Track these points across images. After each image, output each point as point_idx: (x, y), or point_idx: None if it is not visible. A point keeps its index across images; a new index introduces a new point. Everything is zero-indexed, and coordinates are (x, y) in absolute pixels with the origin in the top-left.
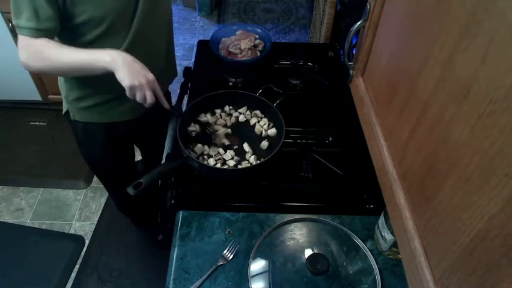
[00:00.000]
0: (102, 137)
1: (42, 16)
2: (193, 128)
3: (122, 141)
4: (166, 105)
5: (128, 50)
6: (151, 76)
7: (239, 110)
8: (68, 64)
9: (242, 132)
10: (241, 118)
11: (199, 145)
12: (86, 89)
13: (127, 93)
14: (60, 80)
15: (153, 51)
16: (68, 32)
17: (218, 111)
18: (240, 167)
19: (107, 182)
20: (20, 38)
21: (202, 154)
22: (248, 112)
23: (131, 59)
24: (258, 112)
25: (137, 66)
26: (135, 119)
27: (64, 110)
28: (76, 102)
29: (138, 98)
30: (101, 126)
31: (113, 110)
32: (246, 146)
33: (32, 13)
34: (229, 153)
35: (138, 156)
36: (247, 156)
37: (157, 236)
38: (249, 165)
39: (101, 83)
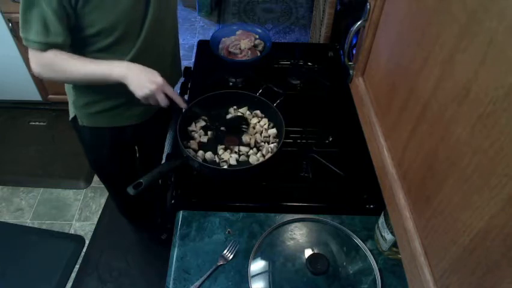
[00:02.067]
0: (109, 142)
1: (52, 31)
2: (193, 128)
3: (128, 144)
4: (183, 105)
5: (137, 56)
6: (160, 80)
7: (239, 110)
8: (82, 77)
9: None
10: None
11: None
12: (95, 95)
13: (142, 101)
14: (68, 86)
15: (161, 56)
16: (79, 41)
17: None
18: (241, 166)
19: (110, 184)
20: (30, 50)
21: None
22: (248, 112)
23: (140, 70)
24: (258, 112)
25: (146, 75)
26: (142, 123)
27: (71, 116)
28: (84, 107)
29: (152, 103)
30: (108, 130)
31: (122, 115)
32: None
33: (41, 28)
34: (228, 153)
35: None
36: (250, 155)
37: (159, 235)
38: (250, 163)
39: (110, 88)
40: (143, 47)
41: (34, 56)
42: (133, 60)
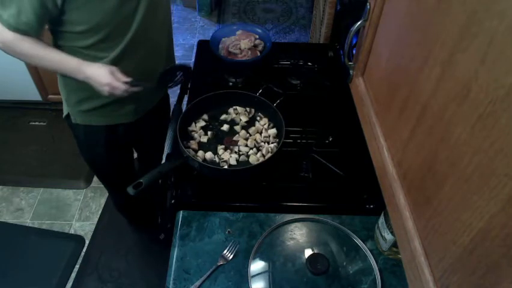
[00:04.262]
0: (103, 140)
1: (23, 19)
2: (193, 128)
3: (123, 142)
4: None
5: (127, 50)
6: (107, 70)
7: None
8: (41, 66)
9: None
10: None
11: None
12: (86, 92)
13: (111, 96)
14: (60, 83)
15: (153, 51)
16: (67, 37)
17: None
18: (240, 166)
19: (108, 182)
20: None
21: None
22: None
23: (93, 70)
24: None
25: (96, 72)
26: (136, 121)
27: (65, 113)
28: (77, 105)
29: (121, 93)
30: (102, 128)
31: (115, 113)
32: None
33: (15, 13)
34: (228, 153)
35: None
36: (250, 154)
37: (158, 236)
38: (249, 164)
39: None
40: (133, 42)
41: (1, 30)
42: (124, 53)
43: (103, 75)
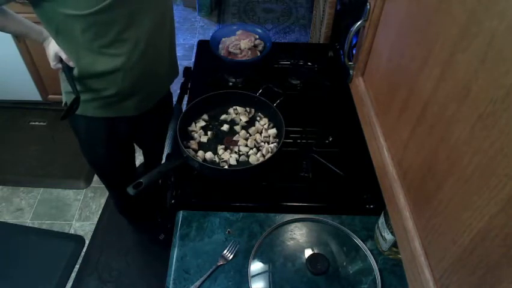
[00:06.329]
0: (104, 136)
1: None
2: (193, 128)
3: (124, 139)
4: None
5: (132, 54)
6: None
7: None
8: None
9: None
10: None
11: (201, 132)
12: (85, 83)
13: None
14: (61, 72)
15: (157, 54)
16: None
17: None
18: (240, 166)
19: (109, 182)
20: None
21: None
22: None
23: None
24: (258, 112)
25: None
26: (137, 117)
27: (63, 102)
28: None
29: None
30: (102, 123)
31: (112, 106)
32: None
33: None
34: (228, 153)
35: (139, 157)
36: (250, 154)
37: (158, 236)
38: (249, 164)
39: (100, 80)
40: (145, 50)
41: None
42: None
43: (49, 53)
